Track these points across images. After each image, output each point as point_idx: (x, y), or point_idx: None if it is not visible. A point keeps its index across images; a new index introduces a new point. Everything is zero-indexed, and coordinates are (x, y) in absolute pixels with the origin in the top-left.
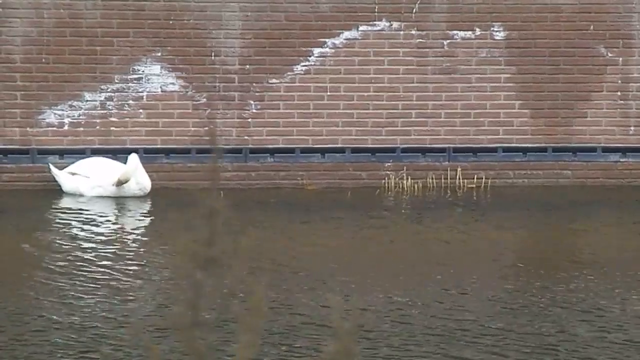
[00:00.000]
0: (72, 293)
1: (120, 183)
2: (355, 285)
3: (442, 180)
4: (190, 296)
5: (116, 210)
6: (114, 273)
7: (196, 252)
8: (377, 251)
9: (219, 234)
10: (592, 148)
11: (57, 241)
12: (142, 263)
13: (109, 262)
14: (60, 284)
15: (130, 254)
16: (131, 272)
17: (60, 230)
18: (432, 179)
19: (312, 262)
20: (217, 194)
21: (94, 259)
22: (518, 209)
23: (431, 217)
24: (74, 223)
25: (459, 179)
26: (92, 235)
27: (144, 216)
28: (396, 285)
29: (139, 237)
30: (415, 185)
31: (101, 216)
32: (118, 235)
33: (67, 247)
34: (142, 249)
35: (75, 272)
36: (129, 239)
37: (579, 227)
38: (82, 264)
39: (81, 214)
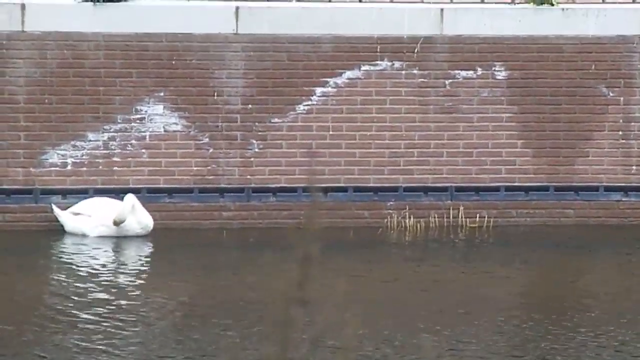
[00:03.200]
0: (72, 337)
1: (116, 223)
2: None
3: (445, 219)
4: (280, 336)
5: (117, 250)
6: (114, 314)
7: (287, 294)
8: (376, 291)
9: (311, 276)
10: (594, 187)
11: (58, 281)
12: (142, 304)
13: (109, 302)
14: (59, 326)
15: (131, 294)
16: (130, 314)
17: (62, 271)
18: (435, 218)
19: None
20: (313, 237)
21: (94, 299)
22: (520, 248)
23: (433, 257)
24: (75, 263)
25: (462, 218)
26: (93, 276)
27: (146, 256)
28: (389, 327)
29: (140, 277)
30: (418, 225)
31: (102, 256)
32: (118, 275)
33: (67, 287)
34: (142, 290)
35: (75, 312)
36: (130, 279)
37: (581, 268)
38: (81, 304)
39: (82, 254)
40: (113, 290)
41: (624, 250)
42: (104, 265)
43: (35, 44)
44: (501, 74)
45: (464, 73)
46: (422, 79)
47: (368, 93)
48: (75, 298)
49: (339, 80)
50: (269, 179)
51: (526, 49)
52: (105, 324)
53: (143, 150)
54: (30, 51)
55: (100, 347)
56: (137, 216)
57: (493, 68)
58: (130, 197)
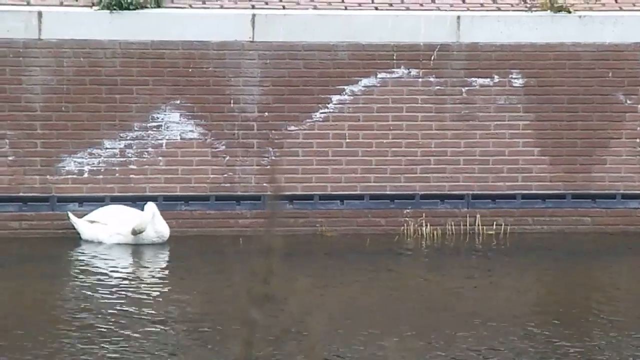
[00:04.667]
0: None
1: (135, 233)
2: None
3: (461, 227)
4: (245, 334)
5: (134, 258)
6: (130, 320)
7: (251, 290)
8: (393, 298)
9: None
10: (611, 195)
11: (74, 289)
12: (158, 312)
13: (126, 310)
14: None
15: (148, 302)
16: (147, 321)
17: (78, 278)
18: (451, 225)
19: (323, 309)
20: (274, 236)
21: (110, 306)
22: (537, 256)
23: (450, 265)
24: (91, 271)
25: (478, 225)
26: (109, 283)
27: (162, 264)
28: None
29: (157, 285)
30: (434, 232)
31: (119, 264)
32: (134, 283)
33: (83, 294)
34: (160, 298)
35: (91, 319)
36: (147, 287)
37: (598, 276)
38: (97, 312)
39: (99, 261)
40: (129, 297)
41: None
42: (120, 273)
43: (52, 52)
44: (518, 82)
45: (480, 80)
46: (439, 87)
47: (384, 101)
48: (91, 305)
49: (355, 88)
50: (285, 186)
51: (543, 57)
52: (121, 331)
53: (159, 158)
54: (46, 59)
55: (115, 354)
56: (154, 225)
57: (510, 75)
58: (151, 206)
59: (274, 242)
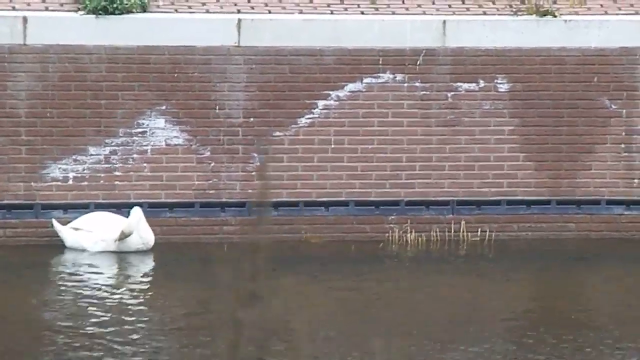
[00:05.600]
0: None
1: (123, 236)
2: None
3: (446, 234)
4: (231, 333)
5: (118, 266)
6: (115, 328)
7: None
8: (378, 305)
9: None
10: (596, 201)
11: (58, 296)
12: (143, 319)
13: (110, 317)
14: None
15: (132, 309)
16: (131, 329)
17: (62, 286)
18: (436, 232)
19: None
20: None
21: (94, 314)
22: (522, 262)
23: (435, 272)
24: (75, 278)
25: (463, 232)
26: (94, 291)
27: (147, 270)
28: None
29: (141, 292)
30: (419, 239)
31: (103, 271)
32: (119, 290)
33: (67, 302)
34: (143, 305)
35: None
36: (131, 294)
37: (583, 282)
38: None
39: (83, 269)
40: (114, 305)
41: (625, 264)
42: (104, 281)
43: (37, 57)
44: (503, 87)
45: (466, 85)
46: (424, 92)
47: (370, 106)
48: (76, 313)
49: (341, 93)
50: (270, 192)
51: (528, 61)
52: (107, 337)
53: (144, 164)
54: (31, 64)
55: None
56: (139, 231)
57: (495, 80)
58: (137, 210)
59: (259, 247)
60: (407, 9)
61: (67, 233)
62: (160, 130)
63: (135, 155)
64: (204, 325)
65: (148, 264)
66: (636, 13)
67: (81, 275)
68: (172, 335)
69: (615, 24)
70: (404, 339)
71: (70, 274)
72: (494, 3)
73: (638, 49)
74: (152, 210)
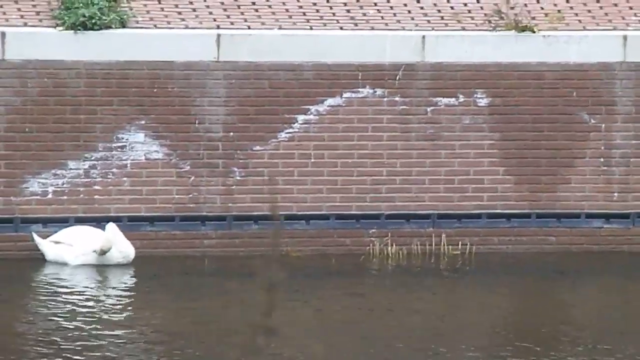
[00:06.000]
0: None
1: (102, 252)
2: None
3: (427, 247)
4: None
5: (99, 279)
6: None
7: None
8: (357, 319)
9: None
10: (576, 214)
11: (39, 310)
12: (123, 333)
13: (90, 331)
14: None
15: (112, 322)
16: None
17: (43, 300)
18: (417, 245)
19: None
20: (277, 265)
21: (75, 327)
22: (502, 275)
23: (415, 285)
24: (56, 292)
25: (444, 245)
26: (74, 305)
27: (127, 284)
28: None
29: (122, 305)
30: (400, 252)
31: (84, 285)
32: (99, 303)
33: (48, 316)
34: (123, 318)
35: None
36: (111, 308)
37: (563, 295)
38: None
39: (64, 283)
40: (94, 318)
41: (605, 278)
42: (84, 294)
43: (16, 72)
44: (483, 101)
45: (445, 100)
46: (404, 106)
47: (350, 120)
48: (56, 327)
49: (320, 108)
50: (250, 207)
51: (508, 76)
52: (86, 352)
53: (124, 179)
54: (10, 79)
55: None
56: (118, 245)
57: (475, 95)
58: (111, 226)
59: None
60: (386, 24)
61: (47, 247)
62: (140, 145)
63: (114, 170)
64: (184, 338)
65: (128, 277)
66: (614, 29)
67: (62, 288)
68: (151, 350)
69: (594, 40)
70: (384, 353)
71: (51, 287)
72: (472, 18)
73: (616, 64)
74: (132, 224)
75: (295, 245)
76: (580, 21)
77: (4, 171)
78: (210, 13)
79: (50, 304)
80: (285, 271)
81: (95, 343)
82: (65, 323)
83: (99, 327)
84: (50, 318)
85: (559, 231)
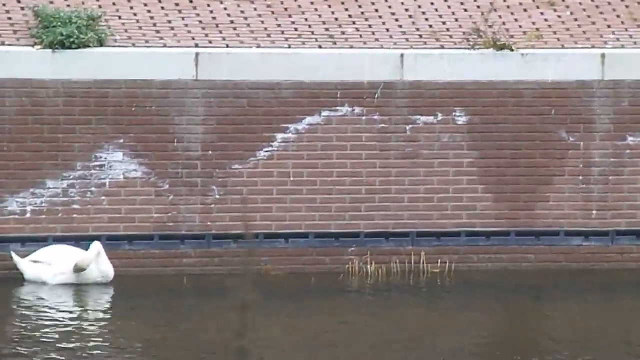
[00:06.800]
0: None
1: (77, 269)
2: None
3: (406, 265)
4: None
5: (77, 299)
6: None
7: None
8: (336, 338)
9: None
10: (555, 232)
11: (17, 330)
12: (102, 352)
13: (69, 350)
14: None
15: (91, 342)
16: None
17: (21, 319)
18: (396, 263)
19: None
20: (250, 285)
21: (53, 347)
22: (482, 293)
23: (395, 303)
24: (35, 311)
25: (423, 263)
26: (53, 324)
27: (106, 303)
28: None
29: (100, 325)
30: (379, 270)
31: (62, 304)
32: (78, 323)
33: (27, 335)
34: (102, 338)
35: None
36: (90, 327)
37: (542, 313)
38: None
39: (42, 302)
40: (73, 338)
41: (584, 295)
42: (63, 314)
43: None
44: (462, 119)
45: (424, 118)
46: (383, 125)
47: (329, 139)
48: (35, 346)
49: (299, 126)
50: (229, 225)
51: (486, 94)
52: None
53: (103, 198)
54: None
55: None
56: (99, 264)
57: (453, 113)
58: (96, 245)
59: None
60: (365, 42)
61: (26, 266)
62: (119, 164)
63: (93, 189)
64: (162, 356)
65: (107, 296)
66: (592, 47)
67: (40, 307)
68: None
69: (572, 58)
70: None
71: (30, 306)
72: (451, 37)
73: (595, 82)
74: (111, 243)
75: (274, 264)
76: (558, 39)
77: None
78: (189, 32)
79: (27, 323)
80: (258, 292)
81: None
82: (42, 341)
83: (74, 345)
84: (26, 336)
85: (538, 249)
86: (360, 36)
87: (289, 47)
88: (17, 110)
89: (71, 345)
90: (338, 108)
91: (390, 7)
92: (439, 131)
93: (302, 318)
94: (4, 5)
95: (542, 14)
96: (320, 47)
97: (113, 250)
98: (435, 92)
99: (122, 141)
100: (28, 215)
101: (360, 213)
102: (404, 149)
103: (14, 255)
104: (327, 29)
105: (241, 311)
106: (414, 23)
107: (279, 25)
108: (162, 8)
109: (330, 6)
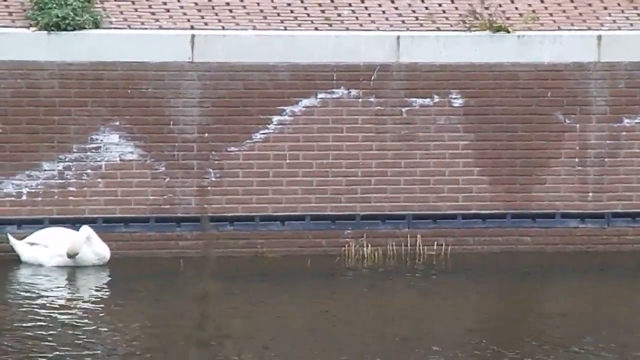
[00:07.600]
0: None
1: (70, 256)
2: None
3: (402, 247)
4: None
5: (74, 281)
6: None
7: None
8: (333, 321)
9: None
10: (550, 214)
11: (14, 312)
12: (98, 334)
13: (65, 332)
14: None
15: (87, 324)
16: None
17: (18, 301)
18: (392, 246)
19: (265, 331)
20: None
21: (49, 329)
22: (478, 276)
23: (391, 286)
24: (31, 293)
25: (419, 246)
26: (49, 306)
27: (102, 286)
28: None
29: (96, 307)
30: (375, 253)
31: (58, 286)
32: (74, 305)
33: (24, 317)
34: (98, 320)
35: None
36: (86, 309)
37: (538, 294)
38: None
39: (39, 284)
40: (69, 320)
41: (581, 277)
42: (59, 296)
43: None
44: (457, 102)
45: (420, 101)
46: (379, 107)
47: (325, 121)
48: (32, 328)
49: (295, 109)
50: (225, 207)
51: (482, 77)
52: (60, 353)
53: (99, 180)
54: None
55: None
56: (93, 247)
57: (449, 95)
58: (85, 229)
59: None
60: (360, 25)
61: (22, 248)
62: (114, 146)
63: (89, 171)
64: (158, 340)
65: (103, 279)
66: (589, 29)
67: (36, 289)
68: (124, 350)
69: (568, 40)
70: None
71: (25, 288)
72: (447, 19)
73: (591, 64)
74: (107, 225)
75: (270, 246)
76: (554, 21)
77: None
78: (184, 14)
79: (25, 305)
80: (216, 281)
81: (66, 343)
82: (38, 324)
83: (70, 327)
84: (23, 318)
85: (534, 231)
86: (356, 18)
87: (285, 29)
88: (12, 92)
89: (62, 331)
90: (334, 90)
91: None
92: (434, 113)
93: (299, 300)
94: None
95: None
96: (316, 29)
97: (109, 232)
98: (431, 74)
99: (117, 123)
100: (24, 197)
101: (356, 195)
102: (400, 131)
103: (10, 237)
104: (323, 11)
105: (201, 302)
106: (409, 5)
107: (275, 7)
108: None
109: None
